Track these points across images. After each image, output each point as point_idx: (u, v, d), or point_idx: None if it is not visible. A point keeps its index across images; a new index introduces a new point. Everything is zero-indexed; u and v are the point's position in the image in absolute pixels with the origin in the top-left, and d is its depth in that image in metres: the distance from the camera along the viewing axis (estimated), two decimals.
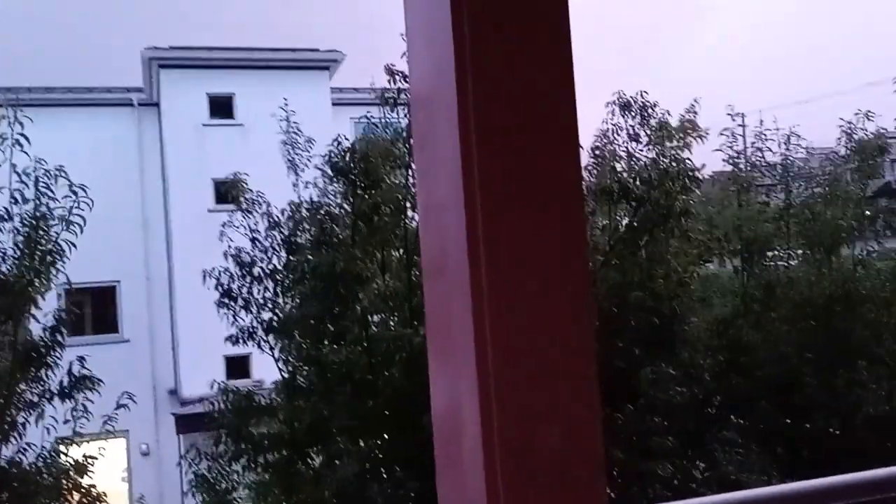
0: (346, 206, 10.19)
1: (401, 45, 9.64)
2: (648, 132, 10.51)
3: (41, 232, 9.61)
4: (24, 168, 9.74)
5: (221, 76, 20.86)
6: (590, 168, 10.25)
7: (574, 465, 1.00)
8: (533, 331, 1.00)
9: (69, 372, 9.59)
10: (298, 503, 9.39)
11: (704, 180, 13.03)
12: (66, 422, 9.51)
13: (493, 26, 1.01)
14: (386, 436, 9.30)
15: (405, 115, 10.02)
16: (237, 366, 17.35)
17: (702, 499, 1.73)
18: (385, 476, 8.82)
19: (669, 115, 10.74)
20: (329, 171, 10.16)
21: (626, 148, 10.34)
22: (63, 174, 9.79)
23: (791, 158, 11.71)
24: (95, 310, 20.43)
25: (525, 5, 1.03)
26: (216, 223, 10.62)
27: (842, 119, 11.28)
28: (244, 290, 10.21)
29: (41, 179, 9.72)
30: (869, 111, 11.17)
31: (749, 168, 11.67)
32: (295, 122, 10.63)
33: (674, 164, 10.20)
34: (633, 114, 10.37)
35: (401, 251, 9.94)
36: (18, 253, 9.56)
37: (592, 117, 10.46)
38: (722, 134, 11.20)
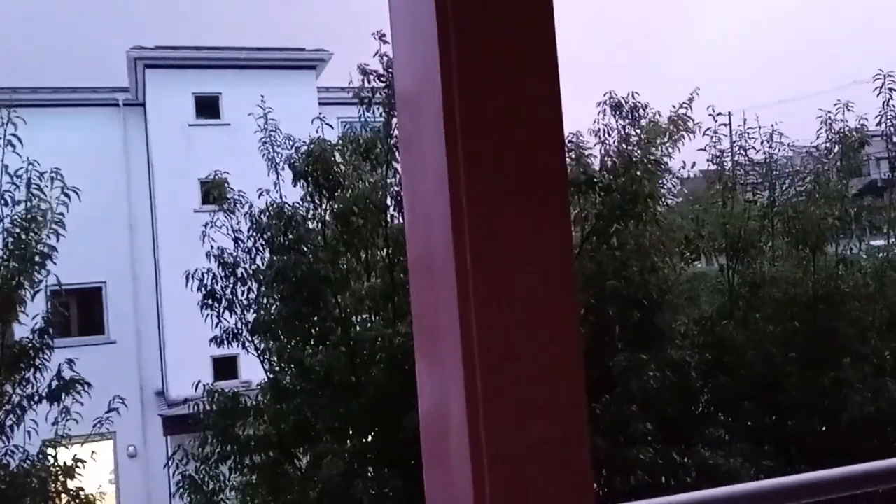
0: (311, 207, 10.18)
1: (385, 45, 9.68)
2: (638, 131, 10.54)
3: (32, 234, 9.58)
4: (16, 170, 9.70)
5: (207, 76, 20.79)
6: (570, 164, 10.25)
7: (561, 462, 1.01)
8: (520, 328, 1.00)
9: (58, 374, 9.55)
10: None
11: (690, 179, 13.09)
12: (53, 424, 9.47)
13: (478, 25, 1.01)
14: (370, 435, 9.31)
15: (380, 115, 10.02)
16: (225, 367, 17.30)
17: (693, 493, 1.74)
18: (369, 475, 8.83)
19: (660, 114, 10.78)
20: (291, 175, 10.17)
21: (617, 148, 10.36)
22: (59, 177, 9.75)
23: (775, 156, 11.75)
24: (81, 311, 20.34)
25: (510, 3, 1.03)
26: (202, 223, 10.58)
27: (821, 109, 11.31)
28: (228, 290, 10.17)
29: (34, 181, 9.68)
30: (849, 102, 11.20)
31: (734, 166, 11.71)
32: (273, 121, 10.58)
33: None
34: (623, 114, 10.40)
35: (384, 251, 9.93)
36: (7, 254, 9.52)
37: (588, 114, 10.50)
38: (706, 134, 11.23)
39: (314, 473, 9.04)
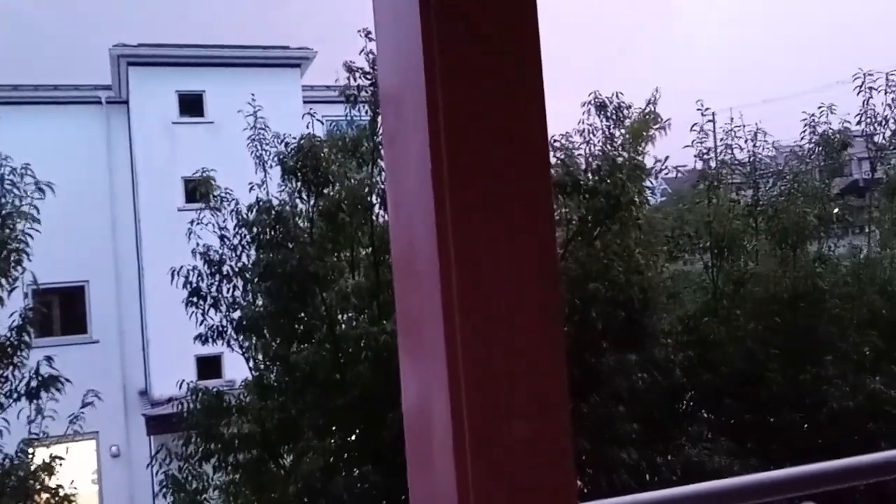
0: (299, 204, 10.16)
1: (371, 43, 9.66)
2: (623, 131, 10.59)
3: (7, 231, 9.50)
4: None
5: (191, 74, 20.67)
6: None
7: (544, 459, 1.01)
8: (503, 327, 1.00)
9: (36, 372, 9.48)
10: (269, 503, 9.36)
11: (675, 178, 13.16)
12: (31, 422, 9.40)
13: (462, 22, 1.01)
14: (353, 432, 9.31)
15: (366, 112, 10.01)
16: (209, 366, 17.21)
17: (686, 487, 1.75)
18: (350, 471, 8.83)
19: (647, 115, 10.84)
20: (280, 171, 10.15)
21: (602, 148, 10.39)
22: (30, 172, 9.68)
23: (759, 155, 11.82)
24: (64, 310, 20.18)
25: (494, 0, 1.03)
26: (186, 222, 10.53)
27: (804, 112, 11.38)
28: (213, 288, 10.14)
29: (6, 177, 9.61)
30: (832, 104, 11.29)
31: (718, 165, 11.77)
32: (262, 118, 10.56)
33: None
34: (608, 114, 10.43)
35: (369, 249, 9.92)
36: None
37: (567, 111, 10.52)
38: (692, 130, 11.29)
39: (296, 470, 9.03)
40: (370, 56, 9.70)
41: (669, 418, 10.19)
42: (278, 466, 9.74)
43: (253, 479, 9.53)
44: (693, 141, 11.35)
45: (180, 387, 10.08)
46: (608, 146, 10.33)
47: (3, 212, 9.57)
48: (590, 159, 10.30)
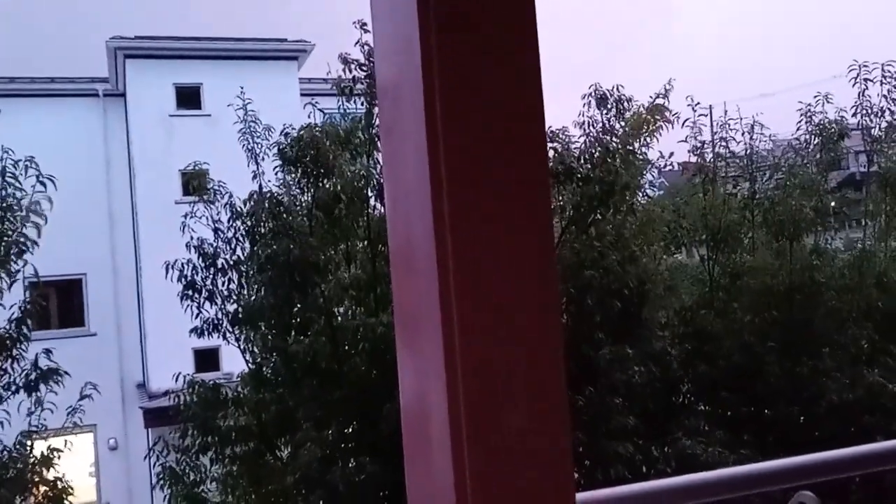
0: (298, 195, 10.16)
1: (367, 34, 9.63)
2: (623, 124, 10.57)
3: (7, 224, 9.50)
4: None
5: (188, 66, 20.64)
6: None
7: (542, 451, 1.01)
8: (501, 318, 1.00)
9: (35, 364, 9.49)
10: (266, 494, 9.37)
11: (671, 172, 13.16)
12: (30, 414, 9.42)
13: (459, 13, 1.01)
14: (350, 424, 9.32)
15: (362, 104, 10.00)
16: (206, 358, 17.22)
17: (683, 477, 1.75)
18: (347, 462, 8.85)
19: (643, 107, 10.82)
20: (280, 161, 10.14)
21: (597, 138, 10.37)
22: (34, 165, 9.68)
23: (755, 148, 11.81)
24: (61, 303, 20.17)
25: None
26: (183, 214, 10.52)
27: (801, 102, 11.36)
28: (208, 281, 10.15)
29: (8, 170, 9.60)
30: (828, 94, 11.27)
31: (715, 158, 11.77)
32: (253, 111, 10.53)
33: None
34: (608, 106, 10.42)
35: (365, 241, 9.93)
36: None
37: (564, 105, 10.52)
38: (686, 125, 11.29)
39: (294, 462, 9.04)
40: (365, 48, 9.68)
41: (666, 411, 10.20)
42: (276, 458, 9.75)
43: (250, 471, 9.54)
44: (687, 136, 11.35)
45: (177, 380, 10.08)
46: (607, 137, 10.31)
47: (4, 205, 9.56)
48: (585, 148, 10.28)
